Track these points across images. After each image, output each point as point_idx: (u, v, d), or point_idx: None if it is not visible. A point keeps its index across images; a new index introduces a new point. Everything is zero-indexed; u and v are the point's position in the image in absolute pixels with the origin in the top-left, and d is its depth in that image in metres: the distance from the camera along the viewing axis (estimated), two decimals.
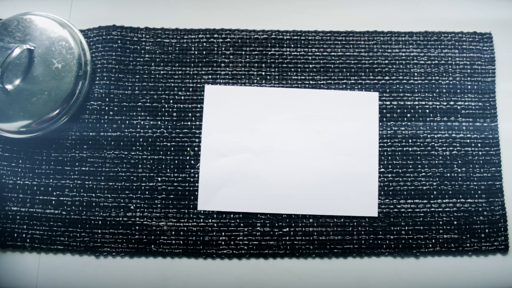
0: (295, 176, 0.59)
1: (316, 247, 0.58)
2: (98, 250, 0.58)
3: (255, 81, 0.62)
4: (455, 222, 0.59)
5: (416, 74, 0.63)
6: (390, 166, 0.60)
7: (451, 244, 0.59)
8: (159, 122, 0.61)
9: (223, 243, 0.58)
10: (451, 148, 0.61)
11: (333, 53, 0.63)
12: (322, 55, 0.63)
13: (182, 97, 0.62)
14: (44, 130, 0.59)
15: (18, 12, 0.61)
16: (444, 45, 0.63)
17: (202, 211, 0.59)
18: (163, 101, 0.62)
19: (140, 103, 0.61)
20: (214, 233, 0.59)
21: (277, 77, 0.62)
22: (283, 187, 0.59)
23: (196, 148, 0.60)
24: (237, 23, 0.64)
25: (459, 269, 0.58)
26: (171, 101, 0.62)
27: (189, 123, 0.61)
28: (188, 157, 0.60)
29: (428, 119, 0.62)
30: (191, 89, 0.62)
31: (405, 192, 0.60)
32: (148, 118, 0.61)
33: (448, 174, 0.60)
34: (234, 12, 0.65)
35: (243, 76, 0.62)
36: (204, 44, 0.63)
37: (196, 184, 0.59)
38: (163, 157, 0.60)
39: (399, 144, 0.61)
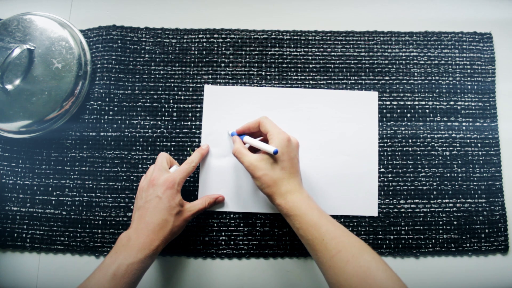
0: None
1: None
2: (98, 250, 0.58)
3: (255, 81, 0.62)
4: (455, 222, 0.59)
5: (416, 74, 0.63)
6: (390, 166, 0.60)
7: (451, 244, 0.59)
8: (159, 122, 0.61)
9: (223, 243, 0.58)
10: (451, 148, 0.61)
11: (333, 53, 0.63)
12: (322, 55, 0.63)
13: (182, 97, 0.62)
14: (44, 130, 0.59)
15: (18, 12, 0.61)
16: (444, 45, 0.63)
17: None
18: (163, 101, 0.62)
19: (140, 103, 0.61)
20: (214, 233, 0.59)
21: (277, 77, 0.62)
22: None
23: (196, 148, 0.60)
24: (237, 23, 0.64)
25: (459, 269, 0.58)
26: (171, 101, 0.62)
27: (189, 123, 0.61)
28: (188, 157, 0.60)
29: (428, 119, 0.62)
30: (191, 89, 0.62)
31: (405, 192, 0.60)
32: (148, 118, 0.61)
33: (448, 174, 0.60)
34: (234, 12, 0.65)
35: (243, 76, 0.62)
36: (204, 44, 0.63)
37: (196, 184, 0.59)
38: None
39: (399, 144, 0.61)
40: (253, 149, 0.55)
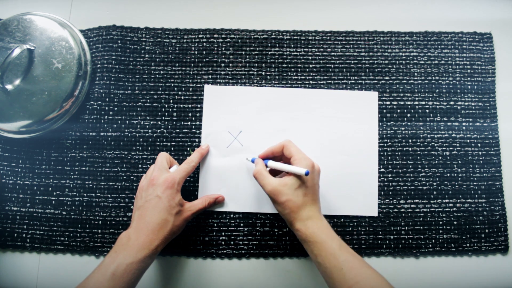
0: None
1: None
2: (98, 250, 0.58)
3: (255, 81, 0.62)
4: (455, 222, 0.59)
5: (416, 74, 0.63)
6: (390, 166, 0.60)
7: (451, 244, 0.59)
8: (159, 122, 0.61)
9: (223, 243, 0.58)
10: (451, 148, 0.61)
11: (333, 53, 0.63)
12: (322, 55, 0.63)
13: (182, 97, 0.62)
14: (44, 130, 0.59)
15: (18, 12, 0.61)
16: (444, 45, 0.63)
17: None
18: (163, 101, 0.62)
19: (140, 103, 0.61)
20: (214, 233, 0.59)
21: (277, 77, 0.62)
22: None
23: (196, 148, 0.60)
24: (237, 23, 0.64)
25: (459, 269, 0.58)
26: (171, 101, 0.62)
27: (189, 123, 0.61)
28: (188, 157, 0.60)
29: (428, 119, 0.62)
30: (191, 89, 0.62)
31: (405, 192, 0.60)
32: (148, 118, 0.61)
33: (448, 174, 0.60)
34: (234, 12, 0.65)
35: (243, 76, 0.62)
36: (204, 44, 0.63)
37: (196, 184, 0.59)
38: None
39: (399, 144, 0.61)
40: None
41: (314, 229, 0.47)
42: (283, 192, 0.48)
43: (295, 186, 0.48)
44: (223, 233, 0.59)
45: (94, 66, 0.62)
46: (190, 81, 0.62)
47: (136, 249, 0.46)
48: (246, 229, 0.59)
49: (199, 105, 0.61)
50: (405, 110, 0.62)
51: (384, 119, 0.61)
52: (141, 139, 0.61)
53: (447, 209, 0.59)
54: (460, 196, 0.60)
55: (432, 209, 0.59)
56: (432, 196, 0.60)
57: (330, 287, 0.46)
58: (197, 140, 0.61)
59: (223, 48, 0.63)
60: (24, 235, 0.58)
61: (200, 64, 0.62)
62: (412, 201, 0.60)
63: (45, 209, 0.59)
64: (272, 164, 0.52)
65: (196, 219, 0.59)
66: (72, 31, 0.60)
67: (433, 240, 0.59)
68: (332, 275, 0.45)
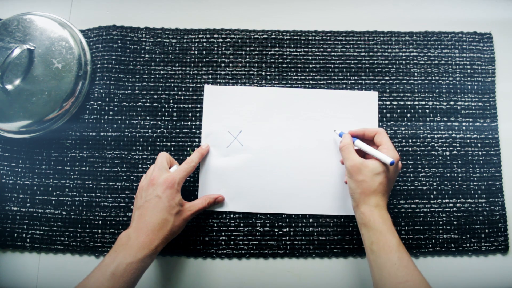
0: (295, 176, 0.59)
1: (316, 247, 0.58)
2: (98, 250, 0.58)
3: (255, 81, 0.62)
4: (455, 222, 0.59)
5: (416, 74, 0.63)
6: None
7: (451, 244, 0.59)
8: (159, 122, 0.61)
9: (223, 243, 0.58)
10: (451, 148, 0.61)
11: (333, 53, 0.63)
12: (322, 55, 0.63)
13: (182, 97, 0.62)
14: (44, 130, 0.59)
15: (18, 12, 0.61)
16: (444, 45, 0.63)
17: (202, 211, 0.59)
18: (163, 101, 0.62)
19: (140, 103, 0.61)
20: (214, 233, 0.59)
21: (277, 77, 0.62)
22: (283, 187, 0.59)
23: (196, 148, 0.60)
24: (237, 23, 0.64)
25: (459, 269, 0.58)
26: (171, 101, 0.62)
27: (189, 123, 0.61)
28: (188, 157, 0.60)
29: (428, 119, 0.62)
30: (191, 89, 0.62)
31: (405, 192, 0.60)
32: (148, 118, 0.61)
33: (448, 174, 0.60)
34: (234, 12, 0.65)
35: (243, 76, 0.62)
36: (204, 44, 0.63)
37: (196, 184, 0.59)
38: None
39: (399, 144, 0.61)
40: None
41: (379, 218, 0.48)
42: (363, 171, 0.49)
43: (375, 171, 0.49)
44: (223, 233, 0.59)
45: (94, 66, 0.62)
46: (190, 81, 0.62)
47: (136, 248, 0.46)
48: (246, 229, 0.59)
49: (199, 105, 0.61)
50: (405, 110, 0.62)
51: (384, 119, 0.61)
52: (141, 139, 0.61)
53: (447, 209, 0.59)
54: (460, 196, 0.60)
55: (432, 209, 0.59)
56: (432, 196, 0.60)
57: (376, 277, 0.46)
58: (197, 140, 0.61)
59: (223, 48, 0.63)
60: (24, 235, 0.58)
61: (200, 64, 0.62)
62: (412, 201, 0.60)
63: (45, 209, 0.59)
64: (360, 143, 0.53)
65: (196, 219, 0.59)
66: (72, 31, 0.60)
67: (433, 240, 0.59)
68: (384, 266, 0.45)
